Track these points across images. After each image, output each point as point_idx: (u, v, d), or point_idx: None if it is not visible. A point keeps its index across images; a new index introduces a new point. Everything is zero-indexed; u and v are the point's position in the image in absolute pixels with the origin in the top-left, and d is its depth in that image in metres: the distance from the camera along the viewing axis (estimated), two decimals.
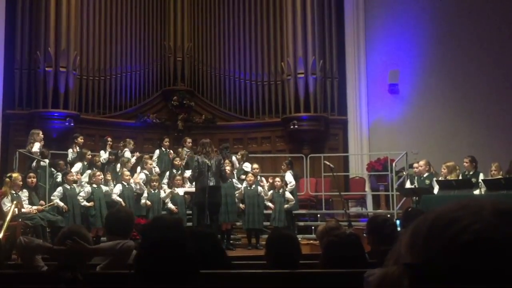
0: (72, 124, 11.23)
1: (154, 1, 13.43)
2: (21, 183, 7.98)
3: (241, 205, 8.91)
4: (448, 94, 11.78)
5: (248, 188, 8.97)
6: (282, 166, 9.74)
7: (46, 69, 11.32)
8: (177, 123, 12.63)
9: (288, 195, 9.19)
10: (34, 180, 8.35)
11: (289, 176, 9.57)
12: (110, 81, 12.53)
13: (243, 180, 9.30)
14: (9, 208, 7.13)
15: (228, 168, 8.84)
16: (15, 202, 7.33)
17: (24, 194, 8.03)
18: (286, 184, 9.32)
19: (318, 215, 10.52)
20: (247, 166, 9.91)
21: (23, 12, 11.78)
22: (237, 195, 8.96)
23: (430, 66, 12.00)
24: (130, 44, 12.99)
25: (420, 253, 0.63)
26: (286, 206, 9.13)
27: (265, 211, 9.17)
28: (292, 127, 12.01)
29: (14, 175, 8.10)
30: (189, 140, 10.92)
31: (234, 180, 9.18)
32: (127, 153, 10.15)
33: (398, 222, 5.28)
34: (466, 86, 11.62)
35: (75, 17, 11.76)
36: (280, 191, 9.11)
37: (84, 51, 12.12)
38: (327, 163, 9.48)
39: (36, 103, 11.43)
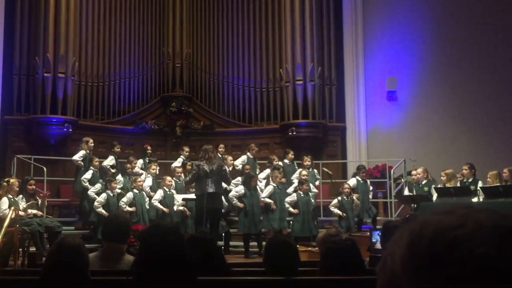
0: (70, 130, 11.19)
1: (153, 8, 13.45)
2: (18, 188, 7.94)
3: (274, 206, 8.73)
4: (446, 101, 11.80)
5: (302, 195, 8.90)
6: (308, 162, 9.76)
7: (45, 74, 11.29)
8: (175, 129, 12.63)
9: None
10: (34, 187, 8.31)
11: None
12: (109, 87, 12.52)
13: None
14: (6, 212, 7.13)
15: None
16: (12, 207, 7.30)
17: (23, 203, 7.98)
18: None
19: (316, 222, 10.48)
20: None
21: (22, 18, 11.76)
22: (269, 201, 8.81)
23: (428, 73, 12.03)
24: (129, 50, 12.99)
25: (428, 278, 0.62)
26: None
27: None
28: (290, 133, 12.01)
29: (12, 180, 8.09)
30: (186, 149, 10.84)
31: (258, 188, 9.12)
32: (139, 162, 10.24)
33: None
34: (465, 93, 11.64)
35: (74, 23, 11.76)
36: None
37: (82, 57, 12.11)
38: (326, 169, 9.49)
39: (35, 108, 11.39)
